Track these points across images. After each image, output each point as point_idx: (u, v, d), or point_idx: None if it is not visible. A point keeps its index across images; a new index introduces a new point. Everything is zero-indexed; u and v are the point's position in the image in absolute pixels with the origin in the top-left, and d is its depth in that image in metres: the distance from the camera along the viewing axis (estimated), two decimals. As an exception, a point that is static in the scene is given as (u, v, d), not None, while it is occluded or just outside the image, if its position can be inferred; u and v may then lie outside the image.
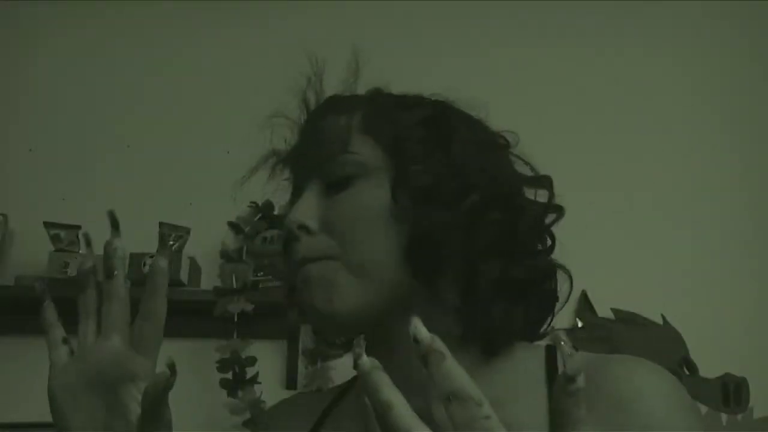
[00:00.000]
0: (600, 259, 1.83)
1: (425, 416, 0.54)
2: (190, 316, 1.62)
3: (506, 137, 0.66)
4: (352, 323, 0.57)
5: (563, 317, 1.81)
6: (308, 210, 0.59)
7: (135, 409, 0.49)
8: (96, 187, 1.81)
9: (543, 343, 0.63)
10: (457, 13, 2.07)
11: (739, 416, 1.64)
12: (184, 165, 1.85)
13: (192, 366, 1.67)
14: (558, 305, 0.63)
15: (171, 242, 1.63)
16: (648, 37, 2.07)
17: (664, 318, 1.75)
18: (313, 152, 0.61)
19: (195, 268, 1.76)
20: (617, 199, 1.90)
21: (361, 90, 0.66)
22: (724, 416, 1.66)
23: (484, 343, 0.59)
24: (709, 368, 1.67)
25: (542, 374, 0.58)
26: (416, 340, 0.38)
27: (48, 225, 1.68)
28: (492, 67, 1.99)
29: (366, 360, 0.39)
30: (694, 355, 1.70)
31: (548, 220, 0.64)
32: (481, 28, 2.06)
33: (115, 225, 0.54)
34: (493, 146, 0.65)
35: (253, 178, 0.67)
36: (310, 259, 0.58)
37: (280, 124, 0.66)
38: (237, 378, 1.65)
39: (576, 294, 1.81)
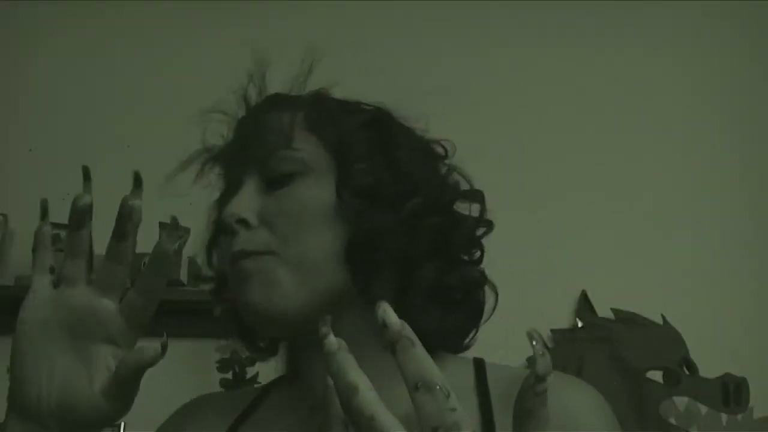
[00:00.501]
0: (600, 259, 1.83)
1: None
2: (190, 316, 1.62)
3: (444, 146, 0.66)
4: (290, 321, 0.56)
5: (563, 317, 1.83)
6: (247, 204, 0.58)
7: (101, 368, 0.47)
8: (96, 187, 1.80)
9: (469, 355, 0.64)
10: (457, 13, 2.07)
11: (739, 416, 1.64)
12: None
13: (192, 366, 1.67)
14: (483, 319, 0.64)
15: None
16: (648, 37, 2.07)
17: (664, 318, 1.74)
18: (253, 147, 0.60)
19: (195, 268, 1.76)
20: (617, 199, 1.90)
21: (347, 91, 0.66)
22: (724, 416, 1.66)
23: None
24: (709, 368, 1.67)
25: (471, 386, 0.58)
26: (385, 325, 0.37)
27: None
28: (492, 67, 1.99)
29: (333, 340, 0.38)
30: (694, 355, 1.70)
31: (479, 233, 0.64)
32: (481, 28, 2.06)
33: (138, 183, 0.50)
34: (432, 155, 0.65)
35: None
36: (248, 253, 0.56)
37: (217, 120, 0.65)
38: (237, 378, 1.65)
39: (576, 294, 1.82)
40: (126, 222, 0.49)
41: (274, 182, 0.59)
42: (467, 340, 0.64)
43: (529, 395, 0.38)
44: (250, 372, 1.66)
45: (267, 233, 0.57)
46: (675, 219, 1.89)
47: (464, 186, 0.65)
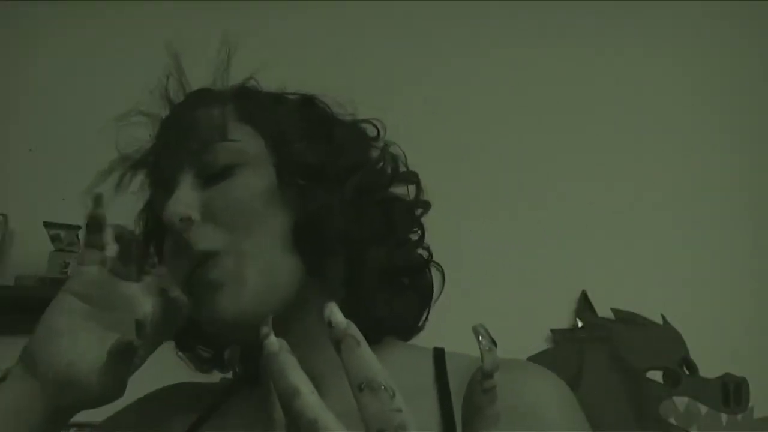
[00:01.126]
0: (600, 259, 1.83)
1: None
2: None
3: (376, 125, 0.64)
4: (254, 320, 0.52)
5: (563, 317, 1.83)
6: (187, 201, 0.56)
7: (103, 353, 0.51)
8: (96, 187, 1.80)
9: (418, 343, 0.63)
10: (457, 13, 2.07)
11: (739, 416, 1.64)
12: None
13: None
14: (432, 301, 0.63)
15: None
16: (648, 37, 2.07)
17: (664, 318, 1.74)
18: (185, 144, 0.58)
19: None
20: (617, 200, 1.90)
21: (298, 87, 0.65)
22: (724, 416, 1.66)
23: (368, 333, 0.56)
24: (709, 368, 1.67)
25: (431, 379, 0.56)
26: (330, 325, 0.36)
27: (48, 225, 1.68)
28: (492, 67, 1.99)
29: (274, 340, 0.37)
30: (694, 355, 1.70)
31: (417, 213, 0.63)
32: (481, 28, 2.06)
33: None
34: (364, 136, 0.63)
35: None
36: (204, 254, 0.54)
37: (134, 124, 0.64)
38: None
39: (576, 294, 1.82)
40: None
41: (212, 177, 0.57)
42: (419, 323, 0.63)
43: (477, 392, 0.36)
44: (250, 372, 1.66)
45: (214, 228, 0.55)
46: (675, 219, 1.89)
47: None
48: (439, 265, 0.63)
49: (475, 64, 1.99)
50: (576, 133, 1.96)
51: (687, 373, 1.68)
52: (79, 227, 1.67)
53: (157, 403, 0.68)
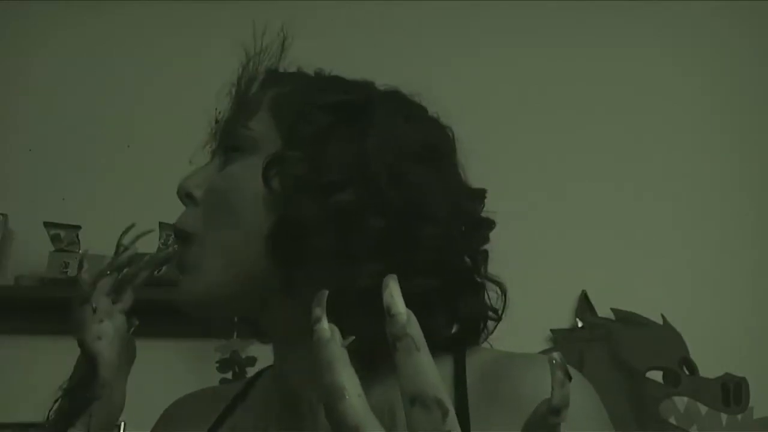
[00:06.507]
0: (600, 259, 1.83)
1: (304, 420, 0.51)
2: (190, 316, 1.62)
3: (453, 144, 0.62)
4: (213, 307, 0.57)
5: (563, 317, 1.82)
6: (198, 179, 0.59)
7: None
8: (96, 187, 1.81)
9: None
10: (457, 13, 2.07)
11: (739, 416, 1.64)
12: (183, 165, 1.85)
13: (192, 366, 1.67)
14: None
15: (171, 242, 1.63)
16: (649, 38, 2.07)
17: (664, 318, 1.74)
18: (226, 122, 0.60)
19: (195, 268, 1.76)
20: (617, 199, 1.90)
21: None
22: (724, 416, 1.66)
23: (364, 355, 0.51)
24: (709, 368, 1.67)
25: (450, 377, 0.52)
26: (389, 314, 0.31)
27: (48, 225, 1.68)
28: (492, 67, 1.99)
29: (326, 326, 0.32)
30: (694, 355, 1.70)
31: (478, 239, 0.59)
32: (481, 28, 2.06)
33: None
34: (421, 152, 0.56)
35: None
36: (180, 236, 0.58)
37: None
38: (237, 378, 1.65)
39: (576, 294, 1.82)
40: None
41: (227, 160, 0.58)
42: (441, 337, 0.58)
43: (539, 425, 0.31)
44: (251, 372, 1.66)
45: (199, 211, 0.57)
46: (675, 219, 1.89)
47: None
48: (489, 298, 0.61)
49: (475, 63, 1.99)
50: (576, 133, 1.96)
51: (687, 373, 1.68)
52: (79, 227, 1.67)
53: (175, 416, 0.68)
